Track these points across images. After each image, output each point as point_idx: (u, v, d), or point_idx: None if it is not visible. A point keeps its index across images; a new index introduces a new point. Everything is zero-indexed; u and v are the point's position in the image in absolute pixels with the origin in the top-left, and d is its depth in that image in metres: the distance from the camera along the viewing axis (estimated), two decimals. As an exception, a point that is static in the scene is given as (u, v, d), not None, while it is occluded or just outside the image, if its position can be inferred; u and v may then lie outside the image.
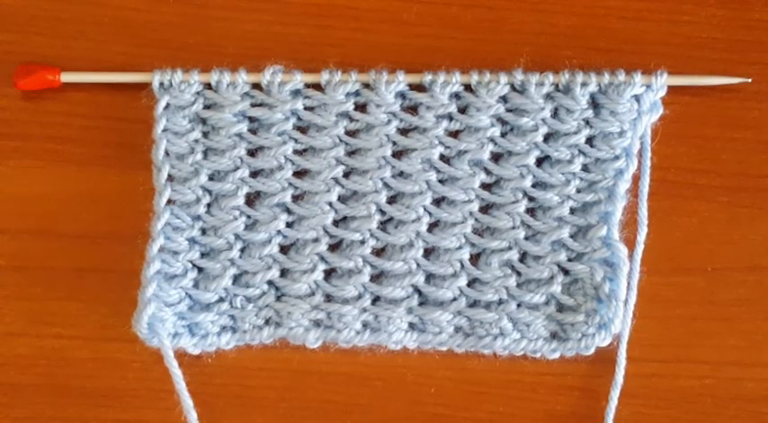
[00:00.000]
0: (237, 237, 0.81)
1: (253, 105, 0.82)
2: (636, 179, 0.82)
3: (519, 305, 0.81)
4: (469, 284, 0.82)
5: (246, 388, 0.83)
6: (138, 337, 0.79)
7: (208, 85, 0.82)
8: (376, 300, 0.82)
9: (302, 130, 0.82)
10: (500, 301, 0.81)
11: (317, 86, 0.82)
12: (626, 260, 0.80)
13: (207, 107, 0.82)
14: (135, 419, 0.83)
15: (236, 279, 0.82)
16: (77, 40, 0.84)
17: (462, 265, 0.81)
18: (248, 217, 0.82)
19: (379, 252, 0.82)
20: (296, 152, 0.82)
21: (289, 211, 0.82)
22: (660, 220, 0.82)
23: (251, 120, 0.82)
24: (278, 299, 0.82)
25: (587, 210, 0.81)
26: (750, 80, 0.83)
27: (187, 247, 0.81)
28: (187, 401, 0.80)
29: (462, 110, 0.82)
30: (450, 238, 0.81)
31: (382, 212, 0.82)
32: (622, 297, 0.80)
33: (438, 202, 0.82)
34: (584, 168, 0.82)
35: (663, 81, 0.81)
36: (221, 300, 0.82)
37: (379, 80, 0.81)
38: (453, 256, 0.81)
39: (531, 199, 0.82)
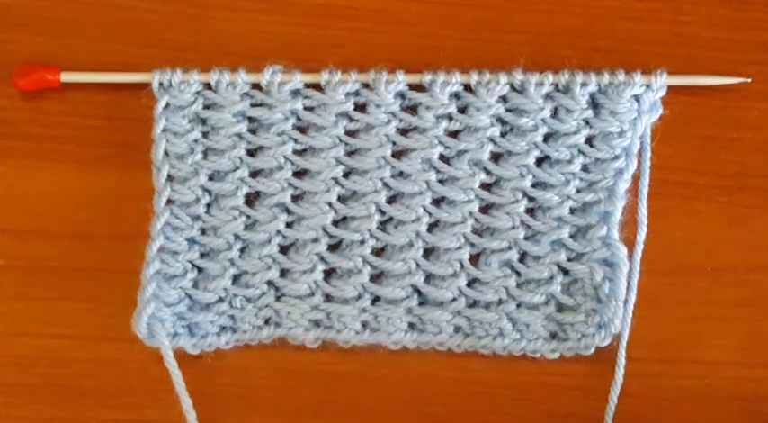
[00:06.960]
0: (237, 237, 0.81)
1: (252, 105, 0.82)
2: (636, 179, 0.82)
3: (519, 305, 0.81)
4: (469, 284, 0.82)
5: (246, 388, 0.83)
6: (138, 337, 0.79)
7: (207, 85, 0.82)
8: (375, 300, 0.82)
9: (302, 130, 0.82)
10: (500, 302, 0.81)
11: (317, 86, 0.82)
12: (626, 260, 0.80)
13: (207, 107, 0.82)
14: (135, 419, 0.83)
15: (235, 279, 0.82)
16: (77, 40, 0.84)
17: (462, 265, 0.81)
18: (248, 217, 0.82)
19: (378, 252, 0.82)
20: (296, 152, 0.82)
21: (288, 212, 0.82)
22: (660, 220, 0.82)
23: (251, 120, 0.82)
24: (277, 299, 0.82)
25: (587, 210, 0.81)
26: (750, 80, 0.82)
27: (187, 247, 0.81)
28: (187, 401, 0.80)
29: (462, 110, 0.82)
30: (449, 238, 0.81)
31: (382, 212, 0.82)
32: (622, 297, 0.80)
33: (438, 202, 0.82)
34: (584, 168, 0.82)
35: (663, 81, 0.81)
36: (221, 300, 0.81)
37: (378, 80, 0.81)
38: (453, 256, 0.81)
39: (530, 199, 0.82)
